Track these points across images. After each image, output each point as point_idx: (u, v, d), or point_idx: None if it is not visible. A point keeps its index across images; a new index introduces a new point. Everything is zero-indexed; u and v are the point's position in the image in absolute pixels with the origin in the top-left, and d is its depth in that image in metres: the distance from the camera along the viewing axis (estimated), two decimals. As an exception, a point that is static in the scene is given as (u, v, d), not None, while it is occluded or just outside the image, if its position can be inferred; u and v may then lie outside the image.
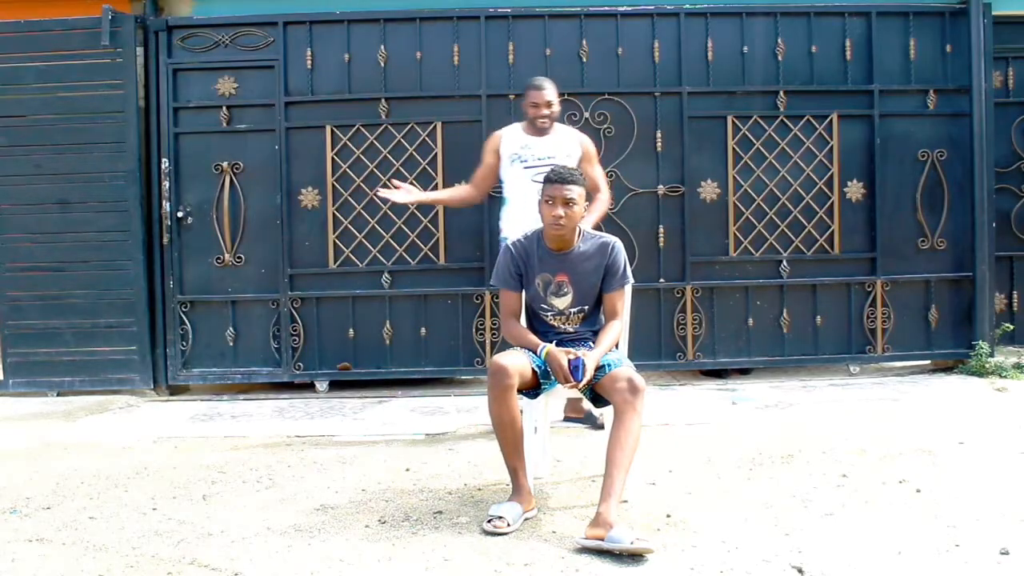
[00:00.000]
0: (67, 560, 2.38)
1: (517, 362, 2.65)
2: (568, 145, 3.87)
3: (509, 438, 2.63)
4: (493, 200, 4.86)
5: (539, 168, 3.66)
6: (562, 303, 2.84)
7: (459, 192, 4.10)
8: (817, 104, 4.90)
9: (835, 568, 2.17)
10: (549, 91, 3.84)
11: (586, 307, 2.86)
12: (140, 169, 4.83)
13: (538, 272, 2.84)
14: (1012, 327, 5.06)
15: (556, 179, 2.76)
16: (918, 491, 2.77)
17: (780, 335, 4.90)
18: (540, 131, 3.84)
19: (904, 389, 4.54)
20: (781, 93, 4.88)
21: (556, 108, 3.87)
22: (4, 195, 4.87)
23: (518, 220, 3.71)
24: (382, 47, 4.88)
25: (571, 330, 2.87)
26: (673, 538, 2.42)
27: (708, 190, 4.87)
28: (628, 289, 2.92)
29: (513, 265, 2.86)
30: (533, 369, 2.72)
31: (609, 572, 2.20)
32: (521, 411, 2.71)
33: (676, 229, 4.87)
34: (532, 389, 2.79)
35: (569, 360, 2.64)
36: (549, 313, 2.86)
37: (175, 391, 4.97)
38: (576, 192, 2.74)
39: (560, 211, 2.73)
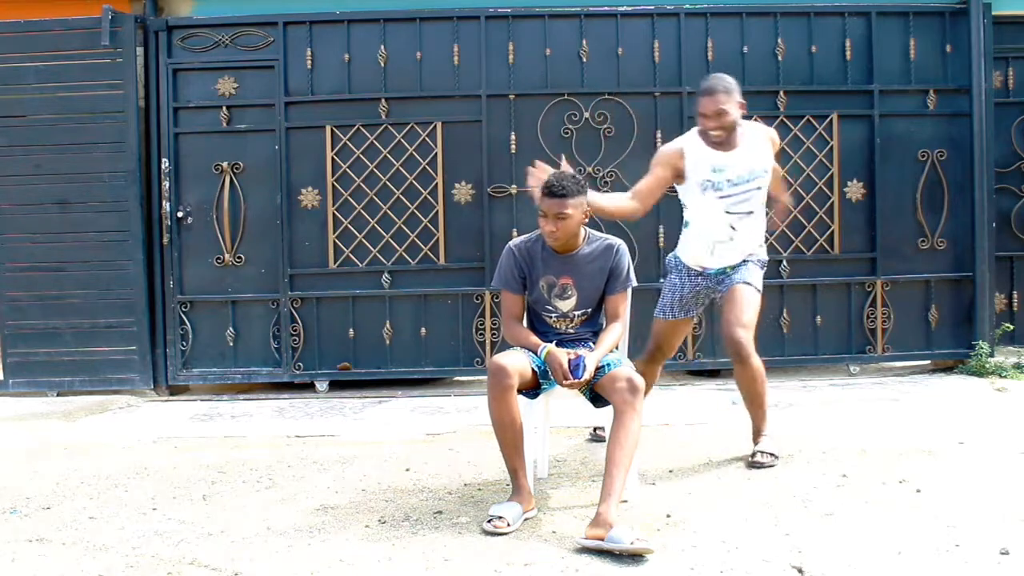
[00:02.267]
0: (67, 560, 2.38)
1: (517, 362, 2.65)
2: (764, 156, 3.20)
3: (509, 438, 2.62)
4: (494, 200, 4.88)
5: (737, 197, 3.15)
6: (566, 305, 2.83)
7: (623, 205, 3.23)
8: (817, 104, 4.90)
9: (835, 568, 2.17)
10: (721, 96, 3.08)
11: (589, 309, 2.86)
12: (140, 169, 4.83)
13: (542, 275, 2.82)
14: (1012, 327, 5.05)
15: (547, 192, 2.71)
16: (918, 491, 2.76)
17: (780, 335, 4.89)
18: (723, 144, 3.15)
19: (904, 389, 4.54)
20: (781, 93, 4.88)
21: (732, 116, 3.10)
22: (4, 195, 4.87)
23: (701, 253, 3.26)
24: (382, 47, 4.88)
25: (572, 331, 2.87)
26: (673, 538, 2.42)
27: (708, 190, 4.87)
28: (629, 291, 2.91)
29: (516, 268, 2.83)
30: (533, 369, 2.72)
31: (609, 572, 2.20)
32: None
33: (676, 229, 4.85)
34: (532, 389, 2.78)
35: (569, 360, 2.64)
36: (552, 315, 2.86)
37: (175, 391, 4.97)
38: (570, 205, 2.69)
39: (552, 226, 2.71)
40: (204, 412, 4.48)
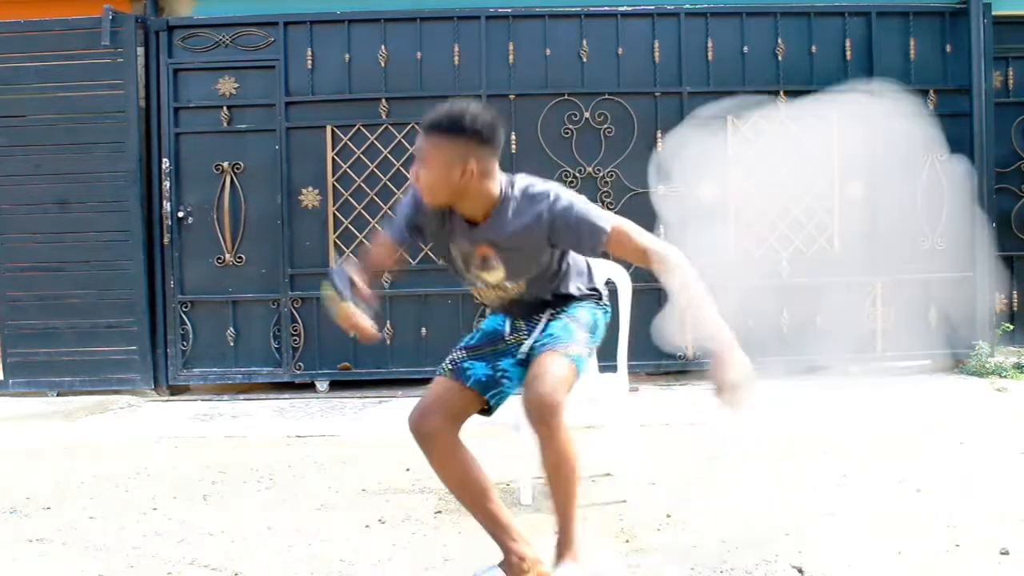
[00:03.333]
0: (67, 560, 2.38)
1: (438, 397, 2.07)
2: None
3: (470, 501, 2.05)
4: (493, 200, 4.87)
5: None
6: (493, 277, 2.11)
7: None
8: (817, 104, 4.90)
9: (835, 568, 2.17)
10: None
11: (529, 276, 2.12)
12: (140, 169, 4.83)
13: (452, 240, 2.11)
14: (1012, 327, 5.05)
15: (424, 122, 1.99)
16: (918, 491, 2.76)
17: (780, 335, 4.89)
18: None
19: (904, 389, 4.53)
20: (781, 93, 4.88)
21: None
22: (4, 195, 4.87)
23: None
24: (382, 47, 4.88)
25: (521, 296, 2.15)
26: (673, 538, 2.42)
27: (708, 190, 4.87)
28: (623, 227, 2.01)
29: (413, 214, 2.13)
30: (468, 388, 2.09)
31: (609, 571, 2.20)
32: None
33: (676, 229, 4.86)
34: (485, 409, 2.15)
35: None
36: (479, 285, 2.17)
37: (175, 391, 4.97)
38: (437, 146, 1.94)
39: (413, 170, 2.02)
40: (204, 412, 4.48)
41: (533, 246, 2.04)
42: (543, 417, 1.87)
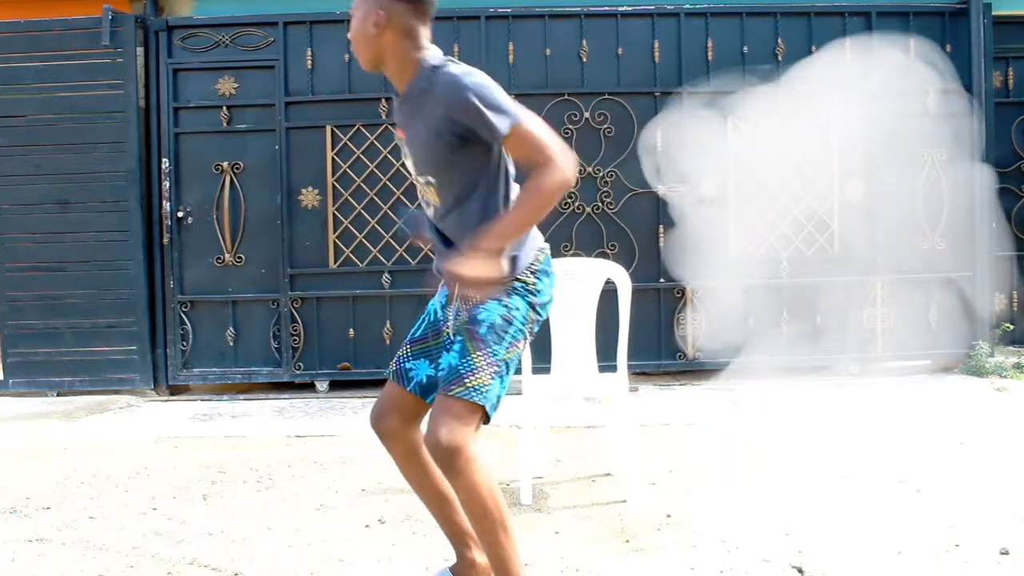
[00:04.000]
0: (67, 560, 2.38)
1: (391, 408, 2.00)
2: None
3: (429, 500, 2.03)
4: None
5: None
6: (413, 169, 1.96)
7: None
8: (817, 104, 4.89)
9: (835, 568, 2.17)
10: None
11: (433, 180, 1.89)
12: (140, 169, 4.83)
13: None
14: (1012, 327, 5.05)
15: None
16: (918, 491, 2.77)
17: (780, 335, 4.89)
18: None
19: (904, 389, 4.54)
20: (781, 94, 4.87)
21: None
22: (4, 195, 4.87)
23: None
24: (382, 47, 4.87)
25: (443, 225, 1.97)
26: (673, 538, 2.42)
27: (708, 190, 4.87)
28: (523, 125, 1.82)
29: None
30: (417, 396, 1.99)
31: (609, 571, 2.20)
32: None
33: (676, 229, 4.87)
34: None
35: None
36: (420, 181, 1.97)
37: (175, 391, 4.97)
38: None
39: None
40: (204, 412, 4.48)
41: (434, 127, 1.83)
42: (444, 462, 1.79)
